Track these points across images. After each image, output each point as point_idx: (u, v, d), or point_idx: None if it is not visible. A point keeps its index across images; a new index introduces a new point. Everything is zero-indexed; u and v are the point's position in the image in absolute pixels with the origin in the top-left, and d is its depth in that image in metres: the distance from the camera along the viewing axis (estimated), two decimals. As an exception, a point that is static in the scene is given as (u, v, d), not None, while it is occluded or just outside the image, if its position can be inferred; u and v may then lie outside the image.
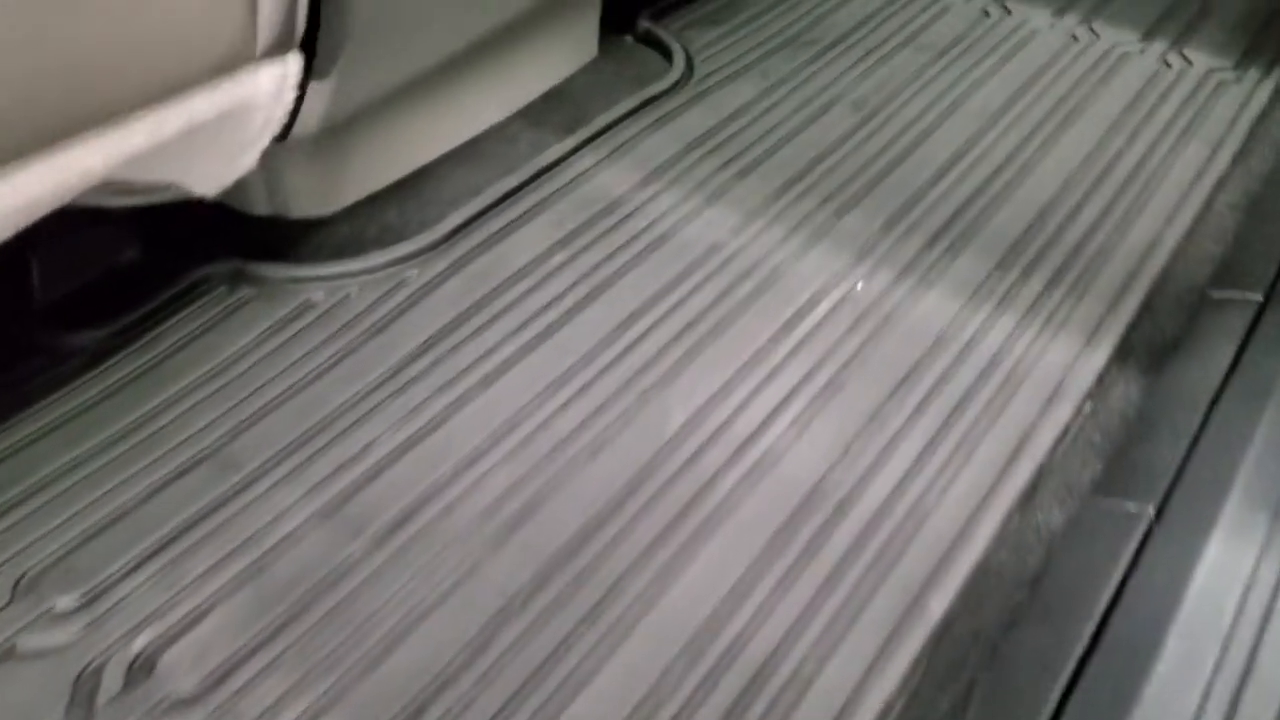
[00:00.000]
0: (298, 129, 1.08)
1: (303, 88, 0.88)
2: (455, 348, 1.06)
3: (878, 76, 1.48)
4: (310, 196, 1.17)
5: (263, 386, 1.03)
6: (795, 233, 1.22)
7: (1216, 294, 1.15)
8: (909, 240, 1.22)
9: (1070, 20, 1.62)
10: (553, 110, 1.37)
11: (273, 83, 0.84)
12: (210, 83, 0.79)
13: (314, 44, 0.88)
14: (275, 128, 0.88)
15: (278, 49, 0.82)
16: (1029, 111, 1.43)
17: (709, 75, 1.47)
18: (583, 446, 0.98)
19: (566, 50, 1.42)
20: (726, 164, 1.32)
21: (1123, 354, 1.09)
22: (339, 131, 1.14)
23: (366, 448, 0.97)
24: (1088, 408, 1.04)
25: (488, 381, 1.03)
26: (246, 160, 0.90)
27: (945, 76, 1.49)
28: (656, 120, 1.37)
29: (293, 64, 0.85)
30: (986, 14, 1.63)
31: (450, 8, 1.13)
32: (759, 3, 1.61)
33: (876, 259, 1.19)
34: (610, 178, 1.28)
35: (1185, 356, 1.08)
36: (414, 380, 1.03)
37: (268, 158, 1.09)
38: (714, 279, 1.16)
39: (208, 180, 0.91)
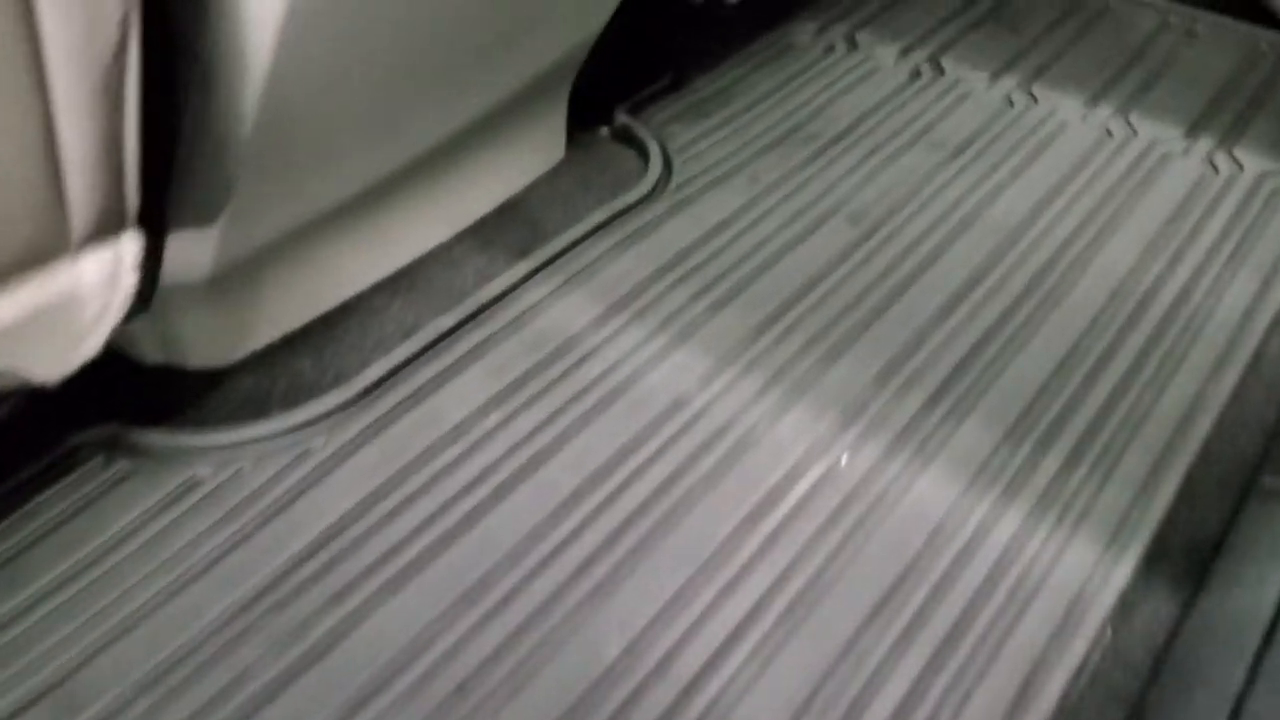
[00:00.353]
0: (182, 281, 0.93)
1: (151, 262, 0.72)
2: (358, 541, 0.90)
3: (881, 182, 1.31)
4: (210, 343, 1.02)
5: (129, 590, 0.87)
6: (774, 384, 1.05)
7: (1270, 481, 0.97)
8: (906, 397, 1.05)
9: (1104, 111, 1.44)
10: (505, 227, 1.21)
11: (100, 270, 0.68)
12: (7, 285, 0.63)
13: (161, 215, 0.73)
14: (118, 312, 0.73)
15: (101, 234, 0.67)
16: (1055, 226, 1.26)
17: (690, 180, 1.30)
18: (494, 687, 0.81)
19: (528, 154, 1.26)
20: (701, 292, 1.15)
21: (1154, 558, 0.92)
22: (242, 269, 0.98)
23: (234, 681, 0.81)
24: (1109, 633, 0.87)
25: (391, 588, 0.87)
26: (89, 346, 0.75)
27: (960, 182, 1.32)
28: (625, 238, 1.21)
29: (128, 245, 0.70)
30: (1010, 103, 1.45)
31: (379, 133, 0.97)
32: (751, 92, 1.44)
33: (867, 422, 1.02)
34: (565, 311, 1.12)
35: (1230, 566, 0.91)
36: (304, 586, 0.87)
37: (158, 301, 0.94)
38: (673, 447, 0.99)
39: (44, 369, 0.75)
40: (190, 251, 0.92)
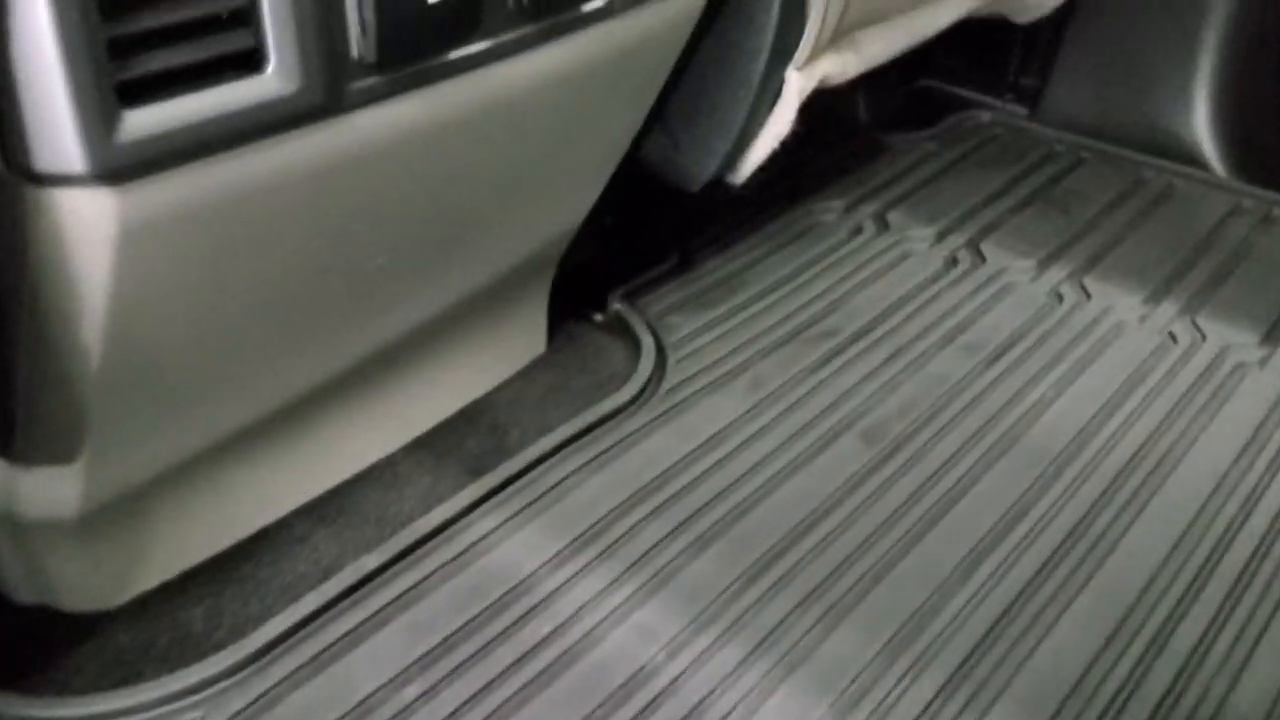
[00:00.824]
0: (49, 518, 0.79)
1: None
2: None
3: (904, 391, 1.14)
4: (87, 586, 0.86)
5: None
6: (758, 656, 0.87)
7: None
8: (920, 679, 0.85)
9: (1168, 310, 1.26)
10: (462, 437, 1.05)
11: None
12: None
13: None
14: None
15: None
16: (1109, 453, 1.07)
17: (683, 383, 1.14)
18: None
19: (498, 353, 1.11)
20: (682, 527, 0.98)
21: None
22: (126, 503, 0.83)
23: None
24: None
25: None
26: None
27: (997, 394, 1.14)
28: (601, 453, 1.04)
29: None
30: (1059, 298, 1.28)
31: (286, 351, 0.83)
32: (766, 278, 1.29)
33: (869, 713, 0.83)
34: (516, 548, 0.95)
35: None
36: None
37: (20, 536, 0.80)
38: (627, 740, 0.81)
39: None
40: (53, 489, 0.78)
